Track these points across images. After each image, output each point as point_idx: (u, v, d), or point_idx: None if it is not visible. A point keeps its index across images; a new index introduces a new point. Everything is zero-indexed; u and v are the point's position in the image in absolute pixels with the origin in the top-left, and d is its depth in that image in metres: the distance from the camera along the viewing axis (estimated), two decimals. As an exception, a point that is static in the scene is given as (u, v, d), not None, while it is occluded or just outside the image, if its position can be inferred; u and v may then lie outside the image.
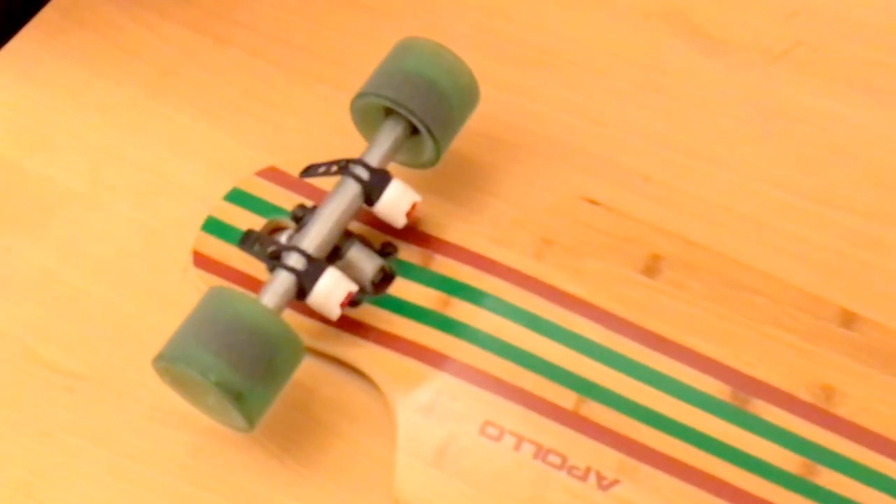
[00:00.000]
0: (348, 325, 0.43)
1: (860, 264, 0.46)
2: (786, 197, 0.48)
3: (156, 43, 0.53)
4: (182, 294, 0.45)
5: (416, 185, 0.47)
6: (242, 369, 0.38)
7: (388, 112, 0.44)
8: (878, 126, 0.50)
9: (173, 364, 0.38)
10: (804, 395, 0.41)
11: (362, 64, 0.49)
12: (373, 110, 0.45)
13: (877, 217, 0.47)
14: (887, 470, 0.39)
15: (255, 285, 0.44)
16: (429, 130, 0.43)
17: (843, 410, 0.40)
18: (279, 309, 0.41)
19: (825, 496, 0.39)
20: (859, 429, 0.40)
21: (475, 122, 0.47)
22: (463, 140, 0.48)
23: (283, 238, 0.46)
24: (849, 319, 0.42)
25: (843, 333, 0.42)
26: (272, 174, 0.47)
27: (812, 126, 0.50)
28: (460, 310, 0.43)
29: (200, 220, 0.46)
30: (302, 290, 0.41)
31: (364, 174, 0.43)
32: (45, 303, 0.46)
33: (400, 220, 0.43)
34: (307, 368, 0.42)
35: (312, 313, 0.43)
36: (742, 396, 0.41)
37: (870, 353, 0.41)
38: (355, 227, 0.45)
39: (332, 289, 0.41)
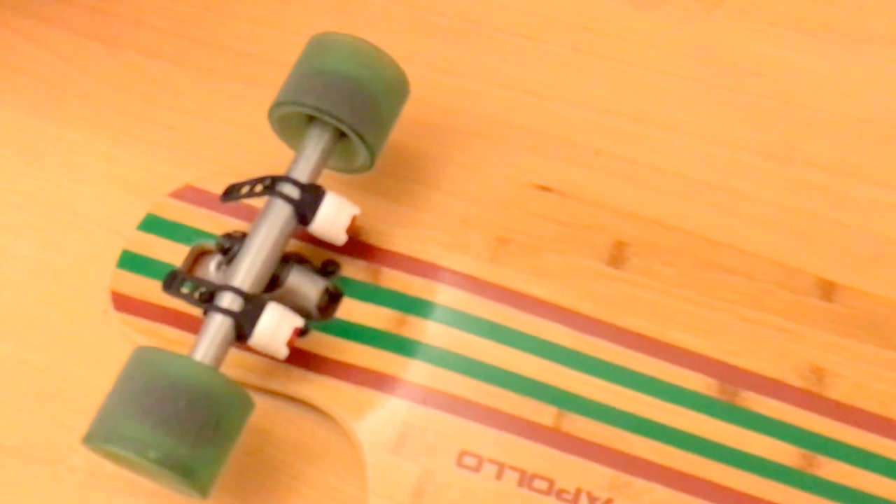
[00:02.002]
0: (298, 357, 0.39)
1: (829, 223, 0.43)
2: (744, 157, 0.45)
3: (37, 53, 0.47)
4: (105, 340, 0.41)
5: (352, 189, 0.42)
6: (187, 440, 0.33)
7: (312, 118, 0.40)
8: (828, 71, 0.47)
9: (105, 444, 0.34)
10: (795, 381, 0.38)
11: (273, 53, 0.45)
12: (295, 118, 0.40)
13: (839, 170, 0.45)
14: (888, 452, 0.37)
15: (187, 322, 0.40)
16: (360, 137, 0.39)
17: (836, 392, 0.38)
18: (218, 361, 0.36)
19: (829, 489, 0.36)
20: (856, 411, 0.38)
21: (405, 108, 0.43)
22: (394, 130, 0.43)
23: (212, 266, 0.41)
24: (828, 290, 0.40)
25: (824, 307, 0.40)
26: (189, 193, 0.42)
27: (761, 77, 0.47)
28: (417, 328, 0.39)
29: (114, 255, 0.41)
30: (241, 333, 0.37)
31: (294, 192, 0.38)
32: (-51, 369, 0.41)
33: (340, 238, 0.39)
34: (259, 408, 0.38)
35: (256, 350, 0.39)
36: (730, 390, 0.38)
37: (855, 324, 0.39)
38: (291, 244, 0.41)
39: (275, 328, 0.37)
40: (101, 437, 0.34)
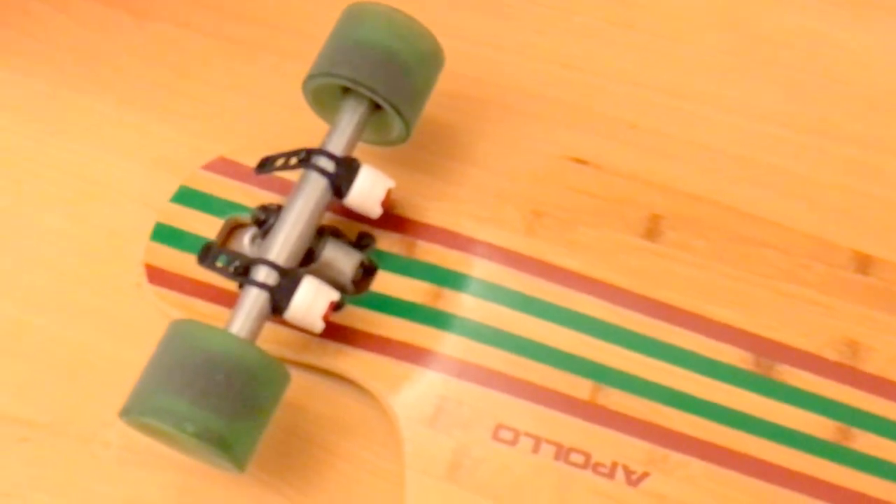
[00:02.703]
0: (333, 331, 0.39)
1: (865, 197, 0.43)
2: (779, 131, 0.45)
3: (67, 24, 0.47)
4: (139, 315, 0.41)
5: (387, 163, 0.42)
6: (224, 414, 0.33)
7: (347, 90, 0.39)
8: (864, 44, 0.46)
9: (143, 418, 0.34)
10: (830, 354, 0.38)
11: (306, 26, 0.44)
12: (329, 90, 0.40)
13: (876, 145, 0.44)
14: (925, 426, 0.37)
15: (222, 296, 0.40)
16: (395, 108, 0.39)
17: (871, 366, 0.38)
18: (254, 335, 0.36)
19: (864, 462, 0.36)
20: (891, 384, 0.37)
21: (439, 82, 0.43)
22: (429, 104, 0.43)
23: (246, 238, 0.41)
24: (864, 264, 0.40)
25: (860, 281, 0.39)
26: (222, 166, 0.42)
27: (797, 50, 0.46)
28: (452, 301, 0.39)
29: (146, 229, 0.41)
30: (277, 306, 0.37)
31: (329, 166, 0.38)
32: (-18, 343, 0.41)
33: (375, 211, 0.39)
34: (294, 383, 0.38)
35: (292, 323, 0.38)
36: (766, 363, 0.38)
37: (890, 298, 0.39)
38: (325, 217, 0.41)
39: (311, 301, 0.36)
40: (138, 410, 0.34)
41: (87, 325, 0.41)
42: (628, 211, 0.41)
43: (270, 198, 0.41)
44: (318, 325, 0.37)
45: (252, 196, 0.41)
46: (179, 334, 0.35)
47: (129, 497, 0.38)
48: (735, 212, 0.41)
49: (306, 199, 0.38)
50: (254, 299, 0.36)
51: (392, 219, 0.41)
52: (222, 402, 0.33)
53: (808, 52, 0.46)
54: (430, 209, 0.41)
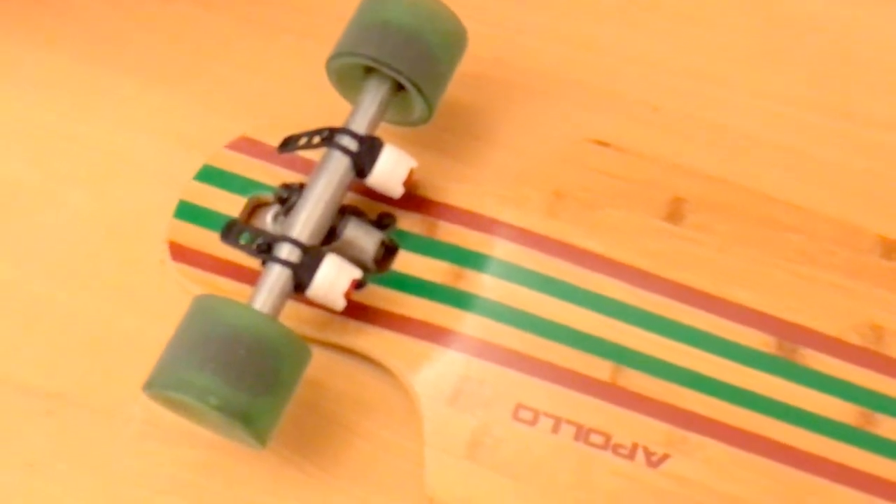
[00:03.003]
0: (354, 310, 0.39)
1: (891, 182, 0.43)
2: (803, 115, 0.44)
3: (93, 3, 0.47)
4: (162, 291, 0.41)
5: (408, 143, 0.42)
6: (246, 388, 0.34)
7: (369, 70, 0.39)
8: (891, 29, 0.46)
9: (166, 391, 0.34)
10: (853, 339, 0.38)
11: (328, 7, 0.44)
12: (353, 70, 0.40)
13: (901, 128, 0.44)
14: (949, 412, 0.37)
15: (245, 274, 0.40)
16: (418, 88, 0.39)
17: (895, 351, 0.38)
18: (277, 311, 0.36)
19: (886, 447, 0.36)
20: (915, 369, 0.37)
21: (462, 63, 0.42)
22: (451, 85, 0.43)
23: (268, 217, 0.41)
24: (889, 249, 0.39)
25: (885, 265, 0.39)
26: (245, 145, 0.42)
27: (823, 34, 0.46)
28: (473, 281, 0.39)
29: (169, 206, 0.42)
30: (300, 284, 0.37)
31: (352, 144, 0.38)
32: (6, 317, 0.41)
33: (397, 191, 0.39)
34: (314, 361, 0.38)
35: (313, 301, 0.39)
36: (789, 347, 0.38)
37: (915, 283, 0.39)
38: (346, 198, 0.41)
39: (333, 279, 0.37)
40: (161, 383, 0.34)
41: (110, 300, 0.41)
42: (651, 193, 0.40)
43: (292, 177, 0.41)
44: (340, 303, 0.37)
45: (274, 175, 0.42)
46: (203, 309, 0.35)
47: (151, 470, 0.38)
48: (758, 195, 0.41)
49: (329, 177, 0.38)
50: (276, 276, 0.37)
51: (413, 199, 0.41)
52: (245, 376, 0.34)
53: (834, 36, 0.46)
54: (452, 190, 0.41)
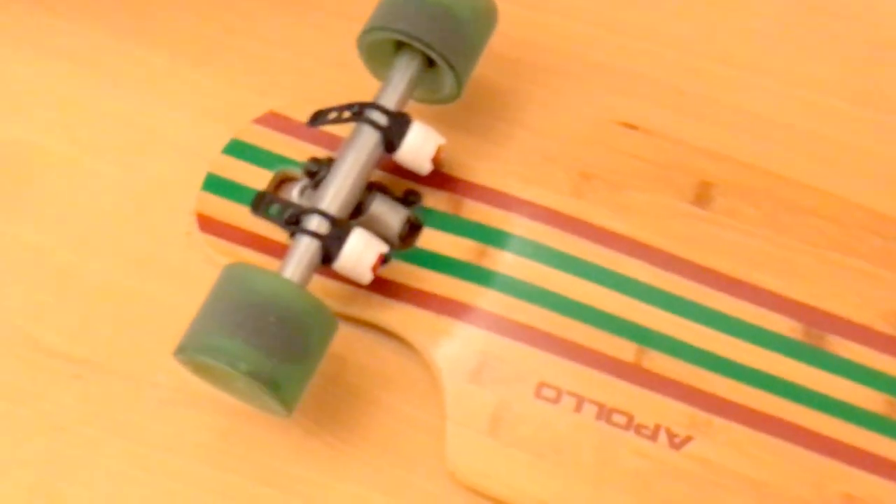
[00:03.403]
0: (378, 285, 0.39)
1: (920, 171, 0.42)
2: (832, 101, 0.44)
3: (121, -23, 0.47)
4: (188, 262, 0.41)
5: (436, 122, 0.42)
6: (275, 355, 0.34)
7: (399, 45, 0.39)
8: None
9: (197, 356, 0.34)
10: (881, 326, 0.38)
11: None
12: (383, 45, 0.40)
13: (933, 118, 0.44)
14: (976, 401, 0.36)
15: (271, 247, 0.40)
16: (449, 64, 0.39)
17: (923, 339, 0.37)
18: (305, 281, 0.37)
19: (912, 435, 0.36)
20: (942, 358, 0.37)
21: (490, 44, 0.43)
22: (480, 65, 0.43)
23: (294, 191, 0.41)
24: (919, 237, 0.39)
25: (914, 253, 0.39)
26: (272, 120, 0.42)
27: (853, 21, 0.46)
28: (497, 259, 0.39)
29: (198, 178, 0.42)
30: (328, 255, 0.37)
31: (382, 119, 0.38)
32: (38, 284, 0.41)
33: (425, 167, 0.39)
34: (338, 335, 0.38)
35: (338, 275, 0.39)
36: (816, 333, 0.38)
37: (944, 272, 0.38)
38: (373, 175, 0.41)
39: (361, 252, 0.37)
40: (193, 348, 0.34)
41: (138, 270, 0.41)
42: (678, 176, 0.40)
43: (319, 152, 0.41)
44: (367, 277, 0.37)
45: (301, 150, 0.42)
46: (233, 277, 0.35)
47: (176, 435, 0.38)
48: (787, 181, 0.41)
49: (358, 151, 0.38)
50: (305, 247, 0.37)
51: (439, 177, 0.41)
52: (274, 343, 0.34)
53: (863, 22, 0.45)
54: (478, 169, 0.41)
